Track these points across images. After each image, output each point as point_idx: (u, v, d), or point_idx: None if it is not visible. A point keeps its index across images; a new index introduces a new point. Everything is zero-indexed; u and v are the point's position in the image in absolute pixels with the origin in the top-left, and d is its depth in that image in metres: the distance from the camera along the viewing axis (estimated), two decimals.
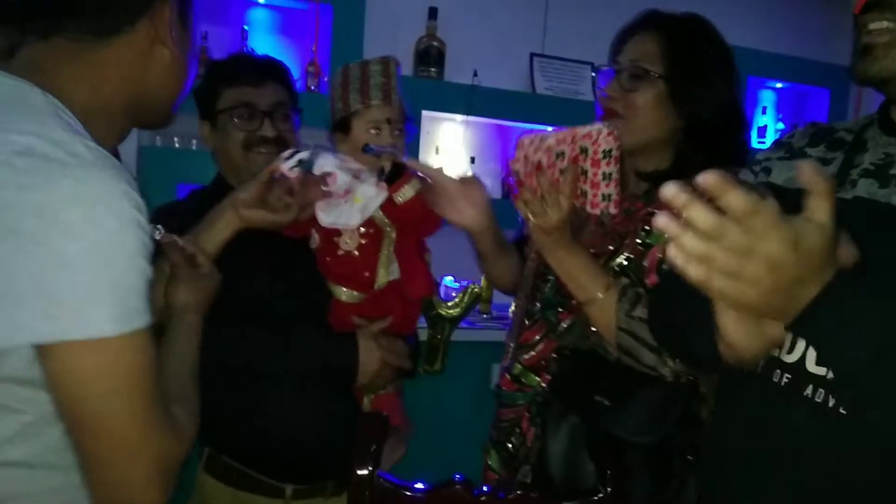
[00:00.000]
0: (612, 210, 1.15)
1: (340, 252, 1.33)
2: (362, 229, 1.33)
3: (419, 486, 1.03)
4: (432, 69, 3.53)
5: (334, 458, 1.30)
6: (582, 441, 1.20)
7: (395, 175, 1.33)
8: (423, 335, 2.25)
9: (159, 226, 1.03)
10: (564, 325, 1.31)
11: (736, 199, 0.61)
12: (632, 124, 1.28)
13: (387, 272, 1.33)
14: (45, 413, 0.72)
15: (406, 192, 1.30)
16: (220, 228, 1.18)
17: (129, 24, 0.79)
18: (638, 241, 1.27)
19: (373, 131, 1.36)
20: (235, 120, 1.39)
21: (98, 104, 0.79)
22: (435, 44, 3.52)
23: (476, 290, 2.26)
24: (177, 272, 1.04)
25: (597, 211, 1.16)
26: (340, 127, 1.42)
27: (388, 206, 1.36)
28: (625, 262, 1.28)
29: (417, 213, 1.31)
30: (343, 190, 1.31)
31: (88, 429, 0.71)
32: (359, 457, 1.04)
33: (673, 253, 0.64)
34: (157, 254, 0.95)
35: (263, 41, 3.35)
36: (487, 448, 1.45)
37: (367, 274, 1.32)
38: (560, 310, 1.33)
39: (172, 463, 0.77)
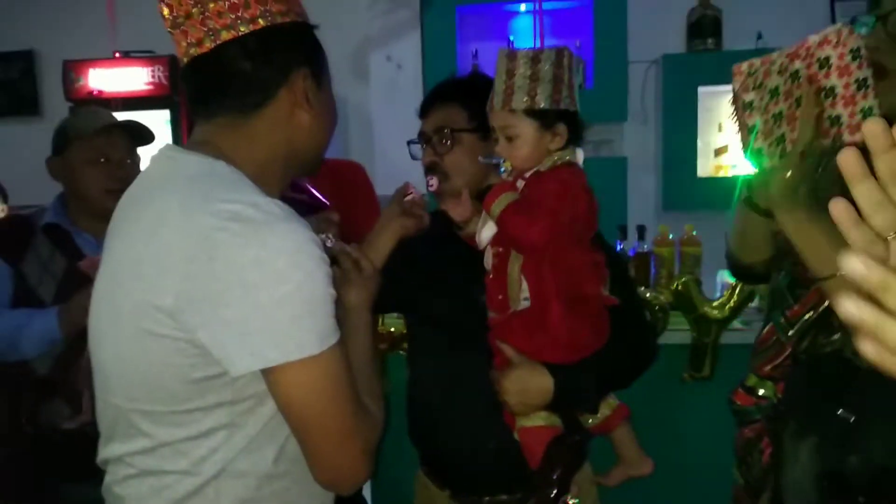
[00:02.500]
0: None
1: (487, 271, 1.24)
2: (495, 248, 1.21)
3: None
4: (709, 40, 3.23)
5: (489, 475, 1.29)
6: (823, 468, 0.98)
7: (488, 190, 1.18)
8: (689, 337, 2.08)
9: (329, 235, 1.17)
10: (794, 330, 1.08)
11: None
12: None
13: (517, 297, 1.18)
14: (265, 427, 0.88)
15: (494, 210, 1.15)
16: (386, 238, 1.23)
17: (271, 98, 0.91)
18: None
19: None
20: (416, 151, 1.40)
21: (259, 166, 0.91)
22: (709, 12, 3.21)
23: (748, 286, 2.00)
24: (347, 276, 1.11)
25: (858, 137, 0.90)
26: None
27: None
28: None
29: (505, 230, 1.16)
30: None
31: (311, 427, 0.84)
32: (542, 478, 1.02)
33: (865, 345, 0.46)
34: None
35: (530, 47, 3.42)
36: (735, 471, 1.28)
37: (500, 297, 1.19)
38: (789, 309, 1.09)
39: (371, 444, 0.90)
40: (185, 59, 0.91)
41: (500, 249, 1.19)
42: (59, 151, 1.69)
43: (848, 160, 0.47)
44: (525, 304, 1.16)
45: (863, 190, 0.47)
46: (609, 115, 3.22)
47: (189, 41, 0.89)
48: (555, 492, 1.02)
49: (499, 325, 1.19)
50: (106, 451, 0.92)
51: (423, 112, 1.40)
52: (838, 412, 0.99)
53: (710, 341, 2.00)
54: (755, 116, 0.97)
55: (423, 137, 1.38)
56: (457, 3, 3.32)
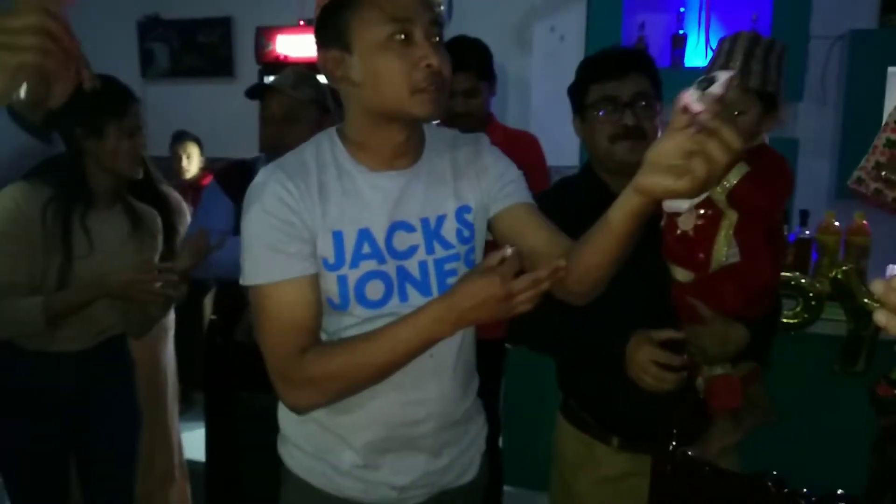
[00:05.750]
0: None
1: (678, 232, 1.29)
2: (700, 210, 1.26)
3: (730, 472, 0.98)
4: None
5: (659, 428, 1.26)
6: None
7: None
8: (843, 329, 1.97)
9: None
10: None
11: None
12: None
13: (723, 255, 1.25)
14: None
15: (729, 179, 1.19)
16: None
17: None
18: None
19: None
20: (600, 114, 1.42)
21: (350, 121, 1.08)
22: None
23: None
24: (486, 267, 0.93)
25: None
26: None
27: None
28: None
29: (742, 199, 1.20)
30: None
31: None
32: (665, 431, 1.06)
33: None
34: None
35: (700, 22, 3.30)
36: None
37: (701, 255, 1.26)
38: None
39: (288, 383, 1.03)
40: None
41: (710, 212, 1.27)
42: None
43: None
44: (732, 260, 1.25)
45: None
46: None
47: None
48: (672, 445, 1.06)
49: (698, 283, 1.29)
50: None
51: (618, 75, 1.41)
52: None
53: (868, 335, 1.89)
54: None
55: (618, 101, 1.39)
56: None
